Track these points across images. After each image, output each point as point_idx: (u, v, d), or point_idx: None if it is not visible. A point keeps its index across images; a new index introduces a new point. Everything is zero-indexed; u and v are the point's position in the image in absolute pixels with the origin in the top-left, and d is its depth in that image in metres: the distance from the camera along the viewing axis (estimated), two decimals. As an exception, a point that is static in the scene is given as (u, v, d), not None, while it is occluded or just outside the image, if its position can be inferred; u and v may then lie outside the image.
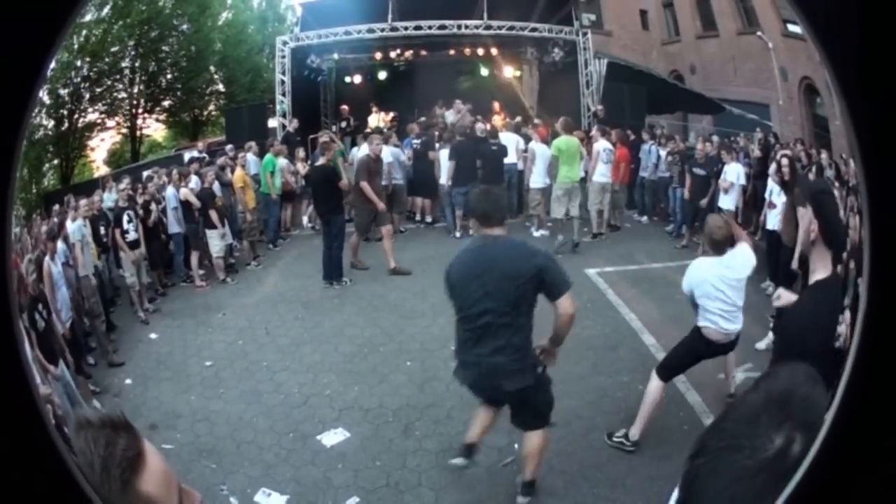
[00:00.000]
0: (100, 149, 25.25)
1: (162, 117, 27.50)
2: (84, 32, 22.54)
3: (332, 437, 8.27)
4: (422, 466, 7.66)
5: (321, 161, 13.89)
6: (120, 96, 25.53)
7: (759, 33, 22.23)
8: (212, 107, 28.74)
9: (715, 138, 18.01)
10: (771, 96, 22.75)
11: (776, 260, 12.41)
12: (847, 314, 7.31)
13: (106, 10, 23.39)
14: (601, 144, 16.35)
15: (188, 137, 27.70)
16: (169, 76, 27.12)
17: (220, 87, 28.85)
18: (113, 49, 24.22)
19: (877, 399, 1.17)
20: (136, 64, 25.61)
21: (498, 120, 20.67)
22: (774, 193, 12.67)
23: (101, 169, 24.29)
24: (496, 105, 23.31)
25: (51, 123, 22.52)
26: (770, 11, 21.66)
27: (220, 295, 13.44)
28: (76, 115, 23.68)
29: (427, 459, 7.80)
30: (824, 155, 15.67)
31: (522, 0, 22.74)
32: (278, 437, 8.36)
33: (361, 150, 15.62)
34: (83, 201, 12.71)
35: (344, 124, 20.51)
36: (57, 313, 9.93)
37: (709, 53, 25.82)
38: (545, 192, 16.24)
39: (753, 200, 15.09)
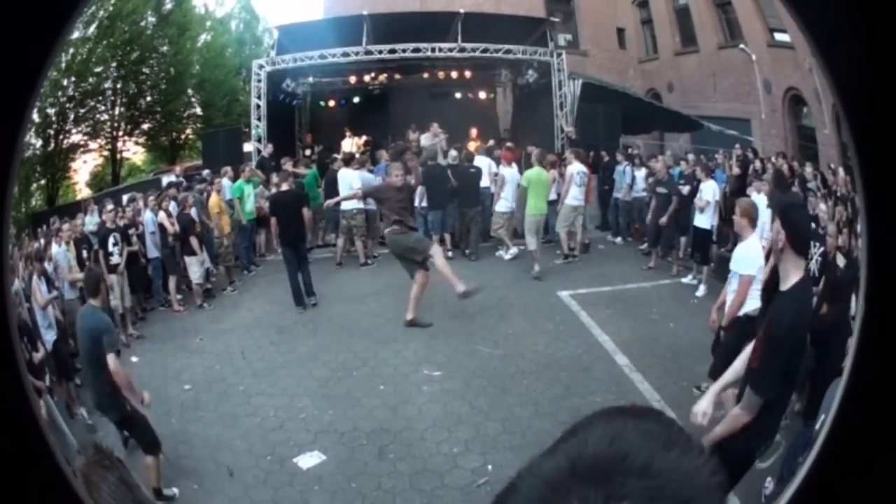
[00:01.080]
0: (82, 171, 25.20)
1: (141, 140, 27.42)
2: (71, 50, 22.43)
3: (309, 460, 8.39)
4: (396, 488, 7.80)
5: (284, 187, 14.13)
6: (102, 118, 25.43)
7: (741, 46, 22.30)
8: (189, 130, 28.63)
9: (690, 156, 18.16)
10: (752, 110, 22.82)
11: None
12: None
13: (92, 28, 23.36)
14: (575, 167, 16.41)
15: (166, 161, 27.61)
16: (148, 98, 27.04)
17: (198, 110, 28.72)
18: (97, 69, 24.20)
19: (876, 401, 1.16)
20: (118, 86, 25.54)
21: (473, 144, 20.87)
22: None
23: (83, 191, 24.24)
24: (474, 131, 23.31)
25: (38, 143, 22.46)
26: (756, 21, 21.80)
27: (197, 319, 13.55)
28: (61, 136, 23.66)
29: (401, 481, 7.94)
30: (809, 168, 15.80)
31: (497, 22, 22.66)
32: (256, 460, 8.47)
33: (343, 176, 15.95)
34: (66, 225, 12.90)
35: (308, 152, 20.60)
36: (41, 335, 10.08)
37: (688, 70, 25.90)
38: (509, 217, 16.63)
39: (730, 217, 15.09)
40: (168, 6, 26.85)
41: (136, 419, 7.91)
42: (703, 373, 10.03)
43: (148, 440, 7.94)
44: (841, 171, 14.95)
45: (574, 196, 16.31)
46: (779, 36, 21.00)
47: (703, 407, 5.72)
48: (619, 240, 18.91)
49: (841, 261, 9.81)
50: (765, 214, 11.63)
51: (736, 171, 16.46)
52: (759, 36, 21.83)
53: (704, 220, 14.30)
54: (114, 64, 24.77)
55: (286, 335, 12.50)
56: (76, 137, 24.43)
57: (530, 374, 10.66)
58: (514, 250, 16.52)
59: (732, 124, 22.18)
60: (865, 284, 1.15)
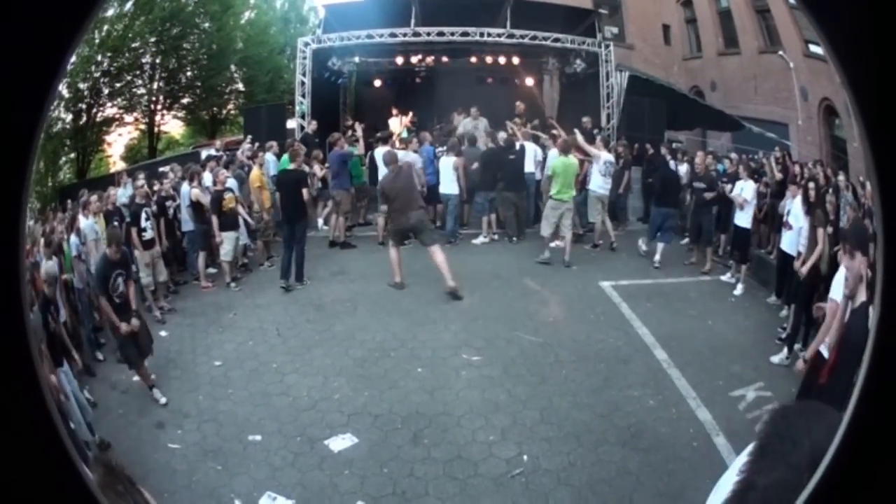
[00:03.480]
0: (117, 144, 25.35)
1: (181, 114, 27.52)
2: (105, 27, 22.52)
3: (340, 443, 8.25)
4: (429, 475, 7.66)
5: (291, 166, 14.04)
6: (139, 92, 25.55)
7: (780, 52, 22.14)
8: (230, 105, 28.75)
9: (733, 155, 17.79)
10: (790, 116, 22.62)
11: (784, 277, 12.77)
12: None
13: (128, 5, 23.39)
14: (603, 156, 16.44)
15: (206, 135, 27.82)
16: (189, 73, 27.10)
17: (240, 86, 28.86)
18: (134, 45, 24.25)
19: (892, 406, 1.11)
20: (157, 60, 25.60)
21: (517, 123, 20.11)
22: (791, 215, 12.58)
23: (117, 164, 24.41)
24: (520, 106, 21.98)
25: (69, 117, 22.49)
26: (792, 31, 21.58)
27: (231, 294, 13.38)
28: (94, 110, 23.71)
29: (435, 468, 7.82)
30: (842, 177, 15.04)
31: (545, 10, 22.29)
32: (286, 441, 8.34)
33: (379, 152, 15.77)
34: (94, 197, 12.72)
35: (350, 133, 19.71)
36: (63, 308, 9.97)
37: (730, 70, 25.73)
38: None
39: (771, 219, 15.07)
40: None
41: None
42: (738, 373, 10.49)
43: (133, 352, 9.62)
44: (869, 186, 14.47)
45: (598, 185, 16.29)
46: (813, 48, 20.85)
47: None
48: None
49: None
50: (800, 221, 12.05)
51: (778, 175, 15.96)
52: (795, 45, 21.76)
53: (745, 218, 14.11)
54: (152, 39, 24.89)
55: (323, 313, 12.33)
56: (111, 111, 24.55)
57: (570, 363, 10.49)
58: (559, 242, 15.96)
59: (771, 127, 22.23)
60: (882, 289, 1.11)
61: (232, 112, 28.58)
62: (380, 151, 15.92)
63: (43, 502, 1.11)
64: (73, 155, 22.89)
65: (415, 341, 11.04)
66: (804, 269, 11.35)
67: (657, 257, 15.05)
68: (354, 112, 24.48)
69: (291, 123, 21.44)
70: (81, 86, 22.49)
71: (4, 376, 1.05)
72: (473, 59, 24.33)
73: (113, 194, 13.57)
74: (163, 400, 9.18)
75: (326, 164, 16.51)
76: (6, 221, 1.03)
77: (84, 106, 23.14)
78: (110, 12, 21.97)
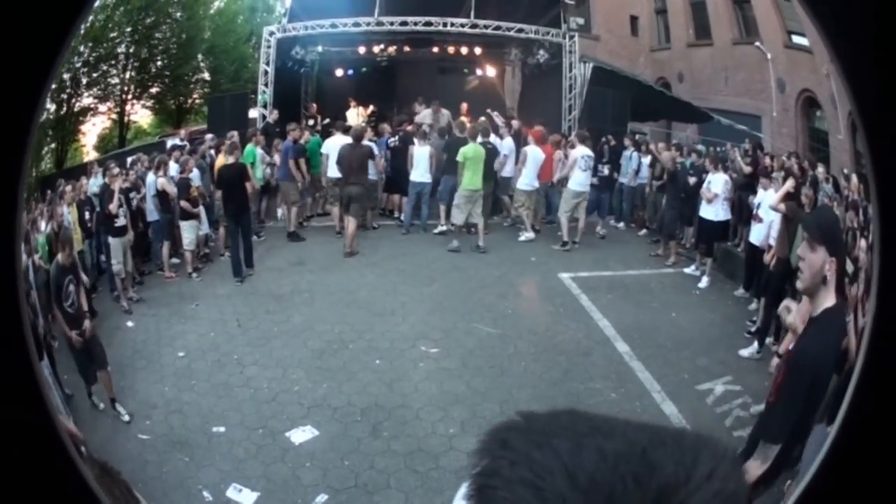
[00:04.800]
0: (90, 134, 25.15)
1: (149, 104, 27.32)
2: (90, 17, 22.24)
3: (301, 435, 8.36)
4: (390, 468, 7.77)
5: (231, 160, 14.00)
6: (113, 82, 25.37)
7: (757, 44, 22.17)
8: (196, 95, 28.52)
9: (700, 147, 18.10)
10: (764, 108, 22.66)
11: (753, 270, 12.74)
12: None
13: None
14: (580, 151, 16.24)
15: (172, 125, 27.66)
16: (159, 63, 26.97)
17: (206, 75, 28.66)
18: (112, 35, 24.18)
19: (885, 406, 1.13)
20: (131, 50, 25.43)
21: (463, 120, 20.33)
22: (762, 207, 12.65)
23: (90, 154, 24.25)
24: (464, 107, 22.68)
25: (52, 107, 22.30)
26: (774, 22, 21.63)
27: (194, 285, 13.45)
28: (73, 100, 23.58)
29: (395, 461, 7.90)
30: (821, 169, 15.64)
31: (510, 1, 22.39)
32: (248, 433, 8.44)
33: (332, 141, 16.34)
34: (69, 187, 12.84)
35: (312, 122, 20.38)
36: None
37: (699, 62, 25.77)
38: (531, 195, 16.65)
39: (738, 211, 15.07)
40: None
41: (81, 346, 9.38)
42: (705, 367, 10.49)
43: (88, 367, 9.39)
44: (854, 178, 14.67)
45: (578, 181, 16.10)
46: (796, 38, 20.86)
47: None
48: (621, 225, 18.77)
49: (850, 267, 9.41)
50: (770, 214, 11.98)
51: (747, 169, 15.93)
52: (775, 36, 21.69)
53: (711, 211, 14.08)
54: (129, 29, 24.75)
55: (282, 304, 12.41)
56: (87, 101, 24.39)
57: (529, 355, 10.58)
58: (531, 234, 16.51)
59: (742, 119, 21.99)
60: (877, 291, 1.14)
61: (197, 101, 28.38)
62: (330, 141, 16.26)
63: (45, 501, 1.14)
64: (53, 145, 22.63)
65: (372, 332, 11.11)
66: (767, 259, 11.48)
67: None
68: (316, 101, 24.40)
69: (254, 113, 21.48)
70: (65, 76, 22.34)
71: (2, 373, 1.10)
72: (436, 50, 24.32)
73: (84, 184, 13.64)
74: (126, 417, 8.94)
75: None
76: (2, 216, 1.09)
77: (65, 96, 23.03)
78: (96, 3, 22.01)
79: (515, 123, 19.34)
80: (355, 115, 23.03)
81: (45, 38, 1.09)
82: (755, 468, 4.82)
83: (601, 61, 23.71)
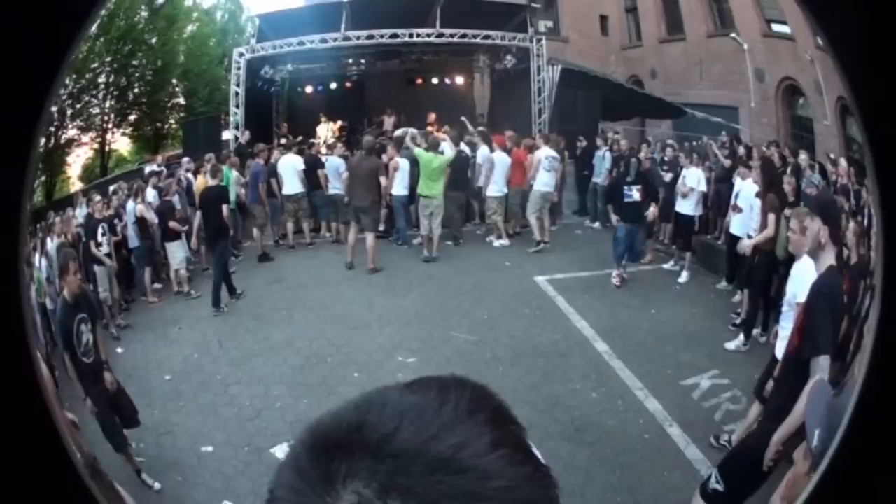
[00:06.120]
0: (75, 165, 25.34)
1: (128, 131, 27.51)
2: (74, 48, 22.33)
3: (285, 451, 8.28)
4: None
5: (213, 182, 14.07)
6: (94, 111, 25.59)
7: (732, 35, 22.21)
8: (172, 120, 28.59)
9: (671, 142, 18.01)
10: (742, 98, 22.77)
11: (735, 262, 12.71)
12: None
13: (93, 27, 23.05)
14: (544, 152, 16.45)
15: (150, 151, 27.68)
16: (136, 90, 27.14)
17: (181, 99, 28.74)
18: (93, 65, 24.34)
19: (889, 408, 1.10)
20: (111, 79, 25.61)
21: (430, 131, 20.67)
22: (741, 197, 12.64)
23: (75, 185, 24.28)
24: (431, 116, 23.17)
25: (42, 141, 22.11)
26: (751, 11, 21.77)
27: (176, 308, 13.59)
28: (60, 132, 23.80)
29: None
30: (803, 156, 15.42)
31: (477, 8, 22.43)
32: (235, 451, 8.53)
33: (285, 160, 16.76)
34: (57, 219, 13.19)
35: (284, 140, 20.37)
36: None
37: (672, 57, 25.87)
38: (502, 202, 16.80)
39: (717, 204, 15.22)
40: (160, 1, 26.92)
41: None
42: (689, 362, 10.53)
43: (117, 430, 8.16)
44: (843, 162, 14.85)
45: (544, 182, 16.31)
46: (776, 27, 20.99)
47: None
48: (597, 224, 18.68)
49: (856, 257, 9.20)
50: (753, 201, 11.95)
51: (726, 161, 15.94)
52: (753, 26, 21.83)
53: (688, 206, 14.21)
54: (108, 59, 24.90)
55: (261, 322, 12.55)
56: (72, 132, 24.66)
57: (506, 360, 10.67)
58: (506, 241, 16.72)
59: (719, 111, 22.09)
60: (882, 280, 1.12)
61: (173, 126, 28.40)
62: (284, 159, 16.68)
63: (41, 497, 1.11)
64: (42, 178, 22.86)
65: (350, 346, 11.23)
66: (746, 248, 11.37)
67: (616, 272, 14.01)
68: (287, 120, 24.75)
69: (227, 135, 21.55)
70: (52, 109, 22.33)
71: (5, 377, 1.08)
72: (403, 61, 24.71)
73: (72, 215, 13.95)
74: (156, 485, 8.03)
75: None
76: (6, 226, 1.07)
77: (52, 128, 23.16)
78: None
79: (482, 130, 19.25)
80: (325, 131, 23.29)
81: (48, 50, 1.10)
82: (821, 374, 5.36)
83: (570, 63, 23.95)
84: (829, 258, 5.72)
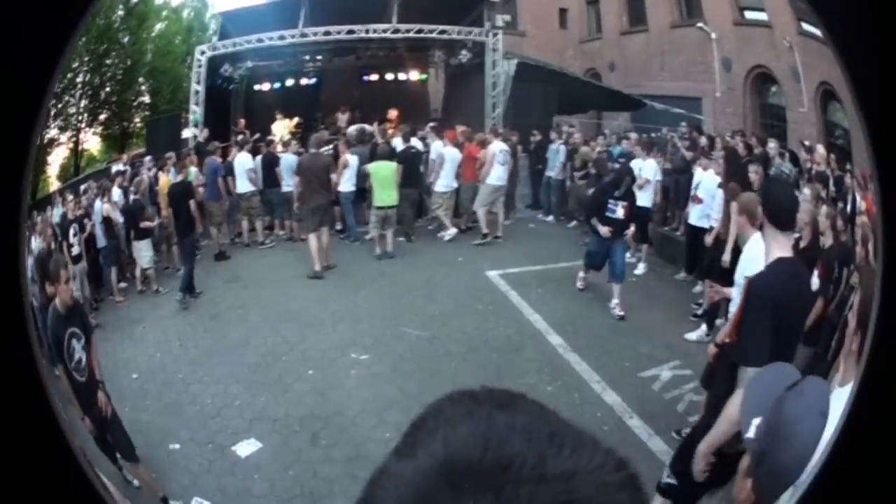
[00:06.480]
0: (54, 164, 25.31)
1: (98, 130, 27.38)
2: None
3: (246, 448, 8.62)
4: (332, 475, 8.03)
5: (177, 179, 14.70)
6: (71, 111, 25.50)
7: (700, 24, 22.27)
8: (137, 119, 28.32)
9: (632, 135, 18.16)
10: (706, 89, 22.66)
11: (695, 252, 12.94)
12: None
13: None
14: (496, 146, 16.60)
15: (117, 150, 27.45)
16: (108, 89, 26.98)
17: (147, 98, 28.44)
18: (74, 65, 24.19)
19: (889, 401, 1.15)
20: (87, 79, 25.57)
21: (388, 127, 20.79)
22: (701, 188, 12.85)
23: (54, 184, 23.91)
24: (391, 113, 23.22)
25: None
26: (723, 1, 21.64)
27: (140, 307, 13.90)
28: (43, 132, 23.04)
29: (336, 468, 8.16)
30: (772, 144, 15.37)
31: (434, 3, 22.66)
32: (199, 448, 8.73)
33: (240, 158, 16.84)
34: (39, 218, 13.32)
35: (240, 137, 19.98)
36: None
37: (633, 49, 25.75)
38: (449, 197, 16.95)
39: (675, 195, 15.45)
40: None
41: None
42: (648, 353, 10.76)
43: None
44: (820, 149, 15.10)
45: (496, 176, 16.44)
46: (750, 14, 21.08)
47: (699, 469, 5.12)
48: (550, 218, 19.03)
49: (831, 240, 9.35)
50: (713, 191, 12.19)
51: (689, 154, 16.19)
52: (724, 14, 21.65)
53: (644, 198, 13.85)
54: (86, 58, 24.89)
55: (219, 321, 12.75)
56: (53, 133, 24.67)
57: (459, 356, 10.81)
58: (453, 231, 16.80)
59: (681, 103, 22.11)
60: (882, 273, 1.15)
61: (138, 125, 28.23)
62: (238, 158, 16.89)
63: (48, 501, 1.17)
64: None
65: (304, 343, 11.39)
66: (709, 240, 11.67)
67: (615, 301, 12.55)
68: (245, 117, 24.23)
69: (187, 133, 21.60)
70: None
71: (7, 378, 1.13)
72: (359, 57, 24.78)
73: (50, 215, 14.11)
74: (136, 482, 7.88)
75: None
76: (6, 223, 1.14)
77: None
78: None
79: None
80: (281, 128, 23.09)
81: (42, 45, 1.17)
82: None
83: (526, 57, 24.03)
84: (777, 249, 5.17)
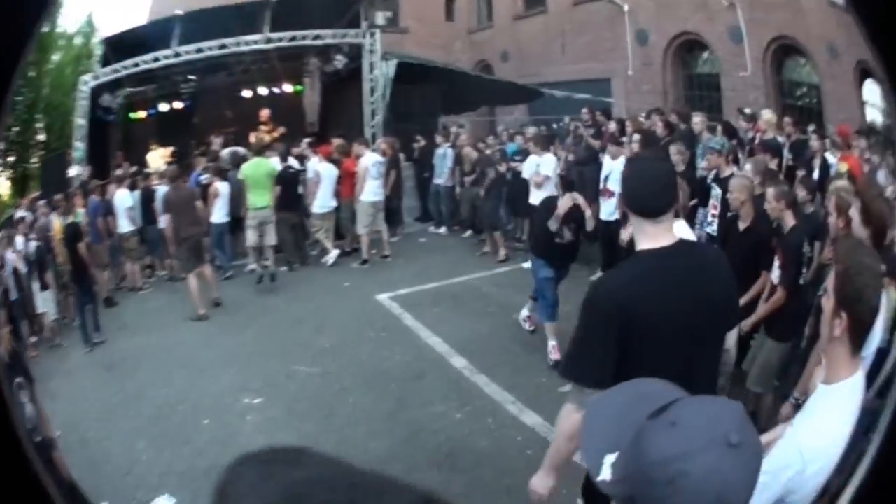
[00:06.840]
0: (-27, 210, 23.83)
1: (7, 174, 26.78)
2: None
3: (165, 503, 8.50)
4: None
5: (68, 221, 14.53)
6: (-13, 155, 24.36)
7: None
8: (34, 159, 27.23)
9: (530, 129, 17.80)
10: (615, 68, 22.86)
11: (611, 249, 11.77)
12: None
13: None
14: (368, 159, 16.01)
15: (20, 194, 25.67)
16: (15, 129, 25.63)
17: (42, 136, 27.42)
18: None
19: None
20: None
21: (263, 130, 20.93)
22: (611, 180, 12.23)
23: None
24: (264, 113, 22.11)
25: None
26: None
27: (50, 361, 13.52)
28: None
29: None
30: (697, 118, 13.90)
31: (309, 7, 21.42)
32: None
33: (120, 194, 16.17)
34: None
35: (119, 172, 18.44)
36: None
37: (529, 35, 25.59)
38: (328, 216, 16.63)
39: (581, 188, 13.74)
40: (44, 29, 25.18)
41: None
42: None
43: None
44: (767, 114, 14.23)
45: (371, 191, 15.92)
46: None
47: None
48: (442, 230, 18.53)
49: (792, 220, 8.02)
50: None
51: (596, 143, 15.51)
52: None
53: (543, 196, 11.84)
54: None
55: (114, 372, 12.26)
56: None
57: (356, 390, 10.30)
58: (335, 253, 16.21)
59: (587, 87, 21.66)
60: None
61: (35, 165, 26.98)
62: (118, 194, 16.25)
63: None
64: None
65: (196, 391, 10.94)
66: (625, 236, 9.66)
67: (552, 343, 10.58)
68: (123, 149, 22.79)
69: (72, 172, 20.17)
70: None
71: None
72: (231, 73, 23.99)
73: None
74: None
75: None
76: None
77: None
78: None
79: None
80: (157, 158, 21.85)
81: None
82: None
83: (408, 55, 23.15)
84: (646, 241, 3.93)
